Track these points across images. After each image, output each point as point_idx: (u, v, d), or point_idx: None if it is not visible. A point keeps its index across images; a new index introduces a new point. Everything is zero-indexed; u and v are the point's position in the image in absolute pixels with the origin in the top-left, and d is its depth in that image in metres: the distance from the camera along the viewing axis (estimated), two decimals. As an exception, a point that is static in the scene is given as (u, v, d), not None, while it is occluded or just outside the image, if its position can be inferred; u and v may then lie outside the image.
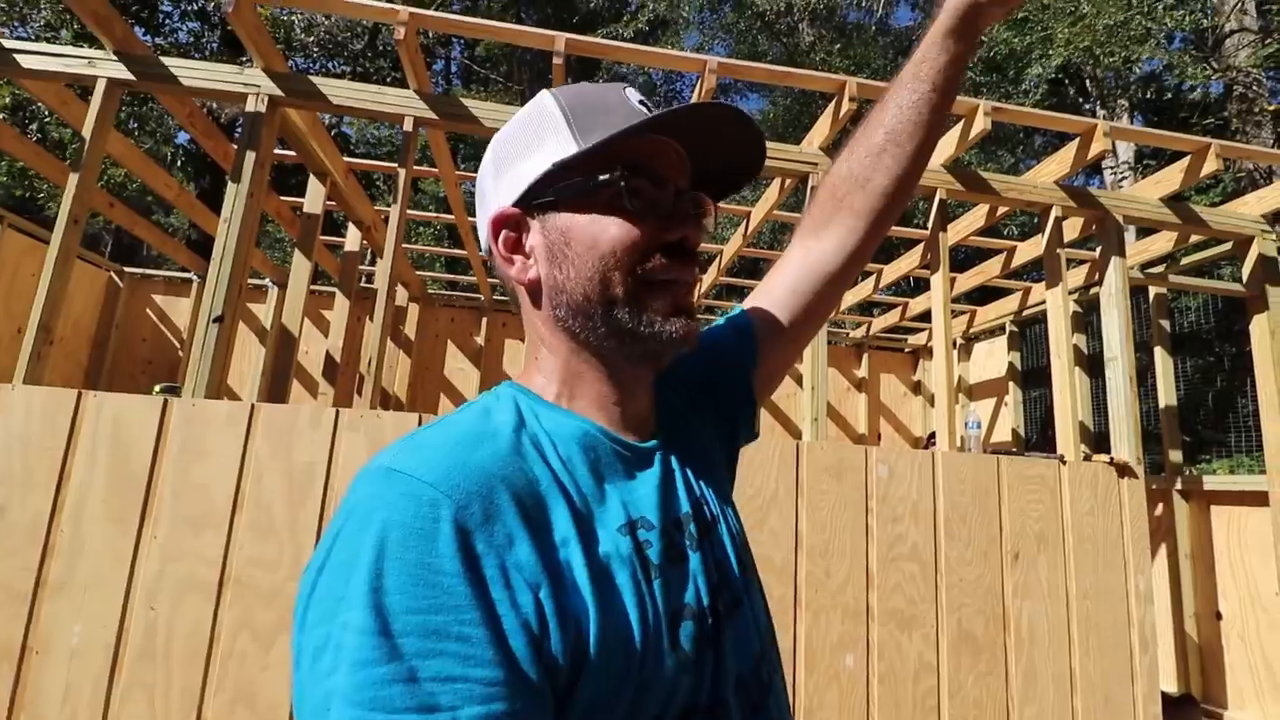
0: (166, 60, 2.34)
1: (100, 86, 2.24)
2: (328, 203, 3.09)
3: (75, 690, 1.94)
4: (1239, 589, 3.18)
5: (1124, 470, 2.67)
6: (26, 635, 1.95)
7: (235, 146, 2.46)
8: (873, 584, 2.41)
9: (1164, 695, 2.67)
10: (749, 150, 0.60)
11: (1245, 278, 3.07)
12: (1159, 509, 3.53)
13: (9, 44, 2.26)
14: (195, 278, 4.51)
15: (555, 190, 0.54)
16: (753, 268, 9.67)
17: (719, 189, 0.63)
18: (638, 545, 0.50)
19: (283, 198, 3.74)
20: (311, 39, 8.35)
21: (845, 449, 2.53)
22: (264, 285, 4.52)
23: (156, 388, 2.49)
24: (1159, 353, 3.65)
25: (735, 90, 13.58)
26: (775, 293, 0.72)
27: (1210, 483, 3.39)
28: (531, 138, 0.55)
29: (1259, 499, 3.05)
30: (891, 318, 5.22)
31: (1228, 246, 3.27)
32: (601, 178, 0.53)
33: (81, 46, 3.03)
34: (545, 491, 0.47)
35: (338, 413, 2.15)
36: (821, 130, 2.73)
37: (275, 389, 2.57)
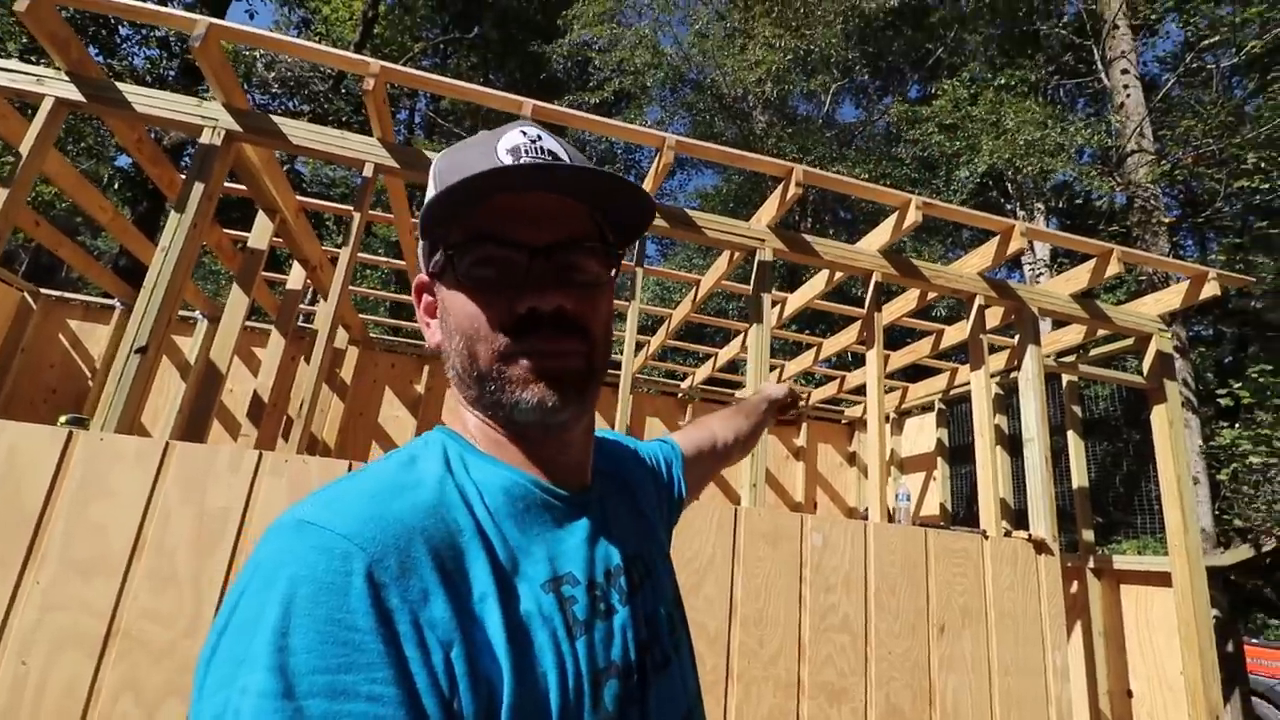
0: (122, 86, 2.30)
1: (46, 105, 2.17)
2: (274, 239, 3.03)
3: (-86, 760, 1.70)
4: (1147, 667, 3.32)
5: (1041, 547, 2.80)
6: None
7: (182, 175, 2.40)
8: (804, 656, 2.40)
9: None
10: (630, 200, 0.55)
11: (1146, 371, 3.35)
12: (1074, 586, 3.69)
13: (-51, 53, 2.18)
14: (119, 304, 4.28)
15: (428, 264, 0.56)
16: (698, 333, 9.90)
17: (626, 227, 0.59)
18: (561, 602, 0.48)
19: (225, 230, 3.64)
20: (273, 75, 8.34)
21: (782, 516, 2.56)
22: (193, 318, 4.32)
23: (62, 418, 2.31)
24: (1071, 436, 3.90)
25: (691, 165, 14.24)
26: (694, 439, 0.98)
27: (1119, 562, 3.58)
28: (440, 206, 0.53)
29: (1163, 579, 3.23)
30: (830, 389, 5.40)
31: (1129, 342, 3.58)
32: (438, 255, 0.54)
33: (30, 61, 2.95)
34: (466, 545, 0.46)
35: (260, 455, 2.04)
36: (770, 209, 2.89)
37: (193, 427, 2.43)
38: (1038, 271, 9.74)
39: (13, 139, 2.32)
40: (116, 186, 7.87)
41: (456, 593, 0.43)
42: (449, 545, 0.45)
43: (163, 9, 2.17)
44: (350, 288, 4.69)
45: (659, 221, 2.77)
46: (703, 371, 5.40)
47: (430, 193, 0.55)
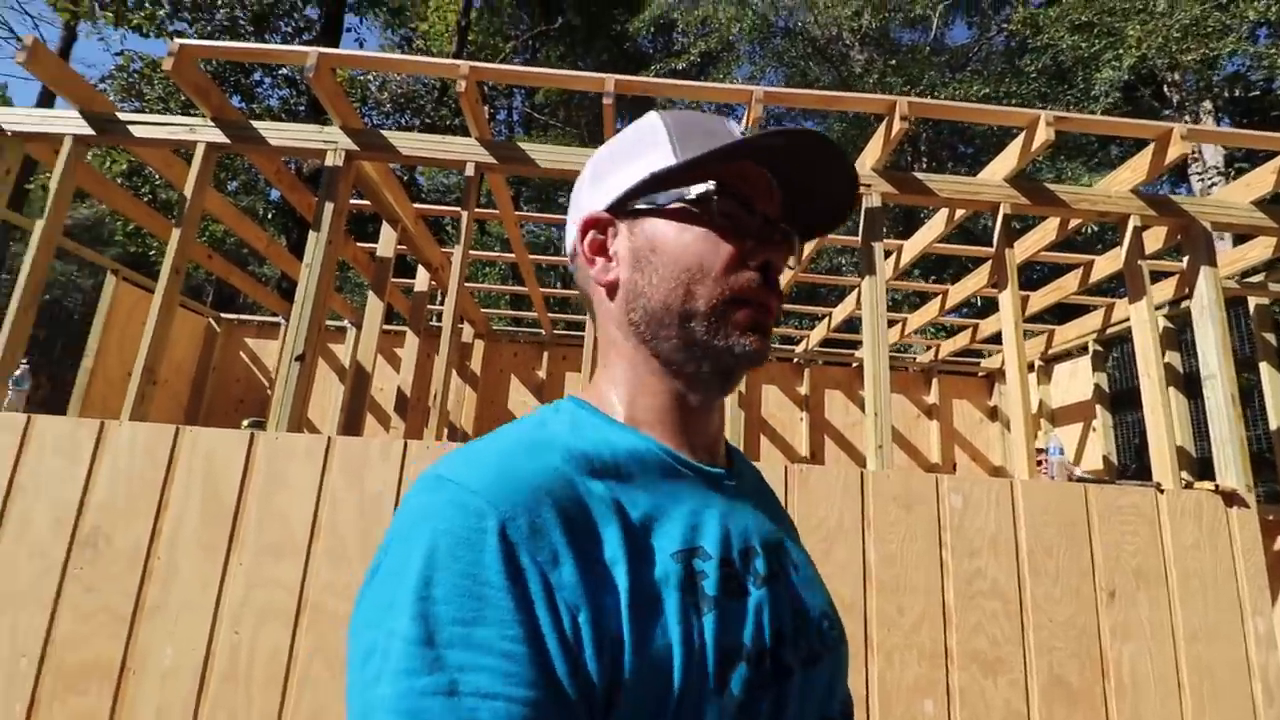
0: (256, 124, 2.57)
1: (199, 150, 2.48)
2: (399, 247, 3.28)
3: (166, 710, 2.06)
4: (1386, 635, 2.80)
5: (1232, 499, 2.43)
6: (125, 655, 2.09)
7: (316, 198, 2.66)
8: (950, 623, 2.27)
9: (1300, 755, 2.36)
10: (840, 189, 0.59)
11: (1365, 284, 2.78)
12: (1278, 542, 3.18)
13: (123, 116, 2.55)
14: (283, 321, 4.85)
15: (646, 199, 0.55)
16: (810, 293, 9.52)
17: (807, 229, 0.63)
18: (690, 574, 0.47)
19: (360, 244, 4.00)
20: (385, 95, 8.99)
21: (914, 477, 2.42)
22: (344, 327, 4.80)
23: (245, 422, 2.67)
24: (1265, 369, 3.34)
25: (789, 118, 13.61)
26: None
27: (1340, 513, 3.04)
28: (631, 151, 0.57)
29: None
30: (961, 340, 5.00)
31: (1341, 251, 2.98)
32: (694, 192, 0.54)
33: (189, 115, 3.38)
34: (595, 509, 0.46)
35: (405, 444, 2.24)
36: (874, 150, 2.70)
37: (350, 423, 2.71)
38: (1210, 182, 8.36)
39: (179, 183, 2.67)
40: (270, 217, 8.89)
41: (585, 557, 0.43)
42: (578, 509, 0.45)
43: (277, 47, 2.39)
44: (470, 284, 5.00)
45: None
46: (817, 333, 5.20)
47: (657, 136, 0.56)
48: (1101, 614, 2.31)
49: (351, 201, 3.41)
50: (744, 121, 2.57)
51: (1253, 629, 2.32)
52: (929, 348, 5.52)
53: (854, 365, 5.35)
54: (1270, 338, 3.39)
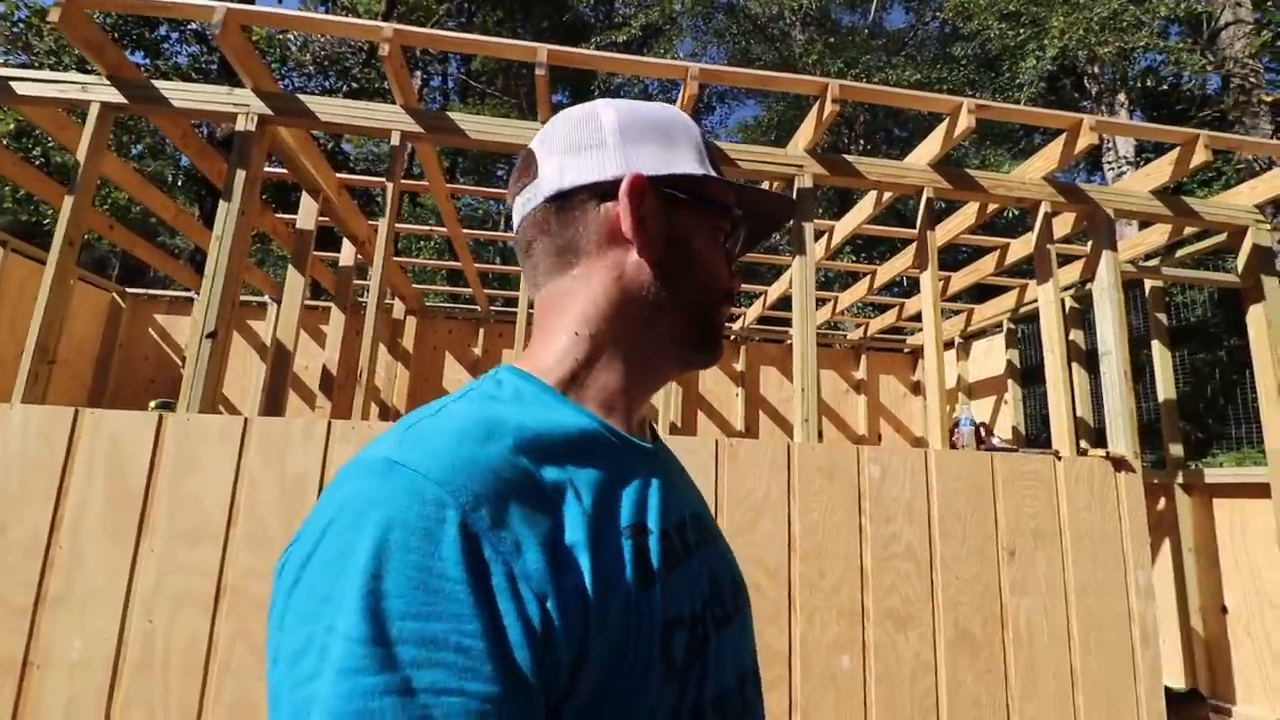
0: (157, 83, 2.38)
1: (93, 110, 2.28)
2: (321, 219, 3.13)
3: (76, 703, 1.96)
4: (1244, 583, 3.15)
5: (1120, 464, 2.66)
6: (28, 650, 1.97)
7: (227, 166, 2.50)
8: (868, 584, 2.40)
9: (1169, 691, 2.64)
10: (776, 227, 0.67)
11: (1240, 268, 3.05)
12: (1161, 504, 3.50)
13: (5, 71, 2.31)
14: (196, 296, 4.57)
15: (697, 198, 0.57)
16: (749, 271, 9.68)
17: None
18: (639, 549, 0.48)
19: (281, 215, 3.79)
20: (308, 56, 8.45)
21: (837, 449, 2.53)
22: (265, 302, 4.57)
23: (152, 404, 2.53)
24: (1157, 346, 3.63)
25: (732, 96, 13.66)
26: None
27: (1211, 476, 3.37)
28: (668, 131, 0.57)
29: (1261, 491, 3.02)
30: (889, 318, 5.21)
31: (1223, 238, 3.26)
32: (733, 214, 0.59)
33: (85, 71, 3.10)
34: (552, 494, 0.45)
35: (329, 424, 2.17)
36: (806, 132, 2.75)
37: (272, 404, 2.61)
38: (1120, 171, 8.92)
39: (72, 147, 2.46)
40: (180, 184, 8.29)
41: (547, 543, 0.42)
42: (536, 494, 0.44)
43: (181, 0, 2.22)
44: (401, 259, 4.84)
45: (690, 159, 2.69)
46: (754, 311, 5.31)
47: (691, 135, 0.59)
48: (1002, 572, 2.50)
49: (271, 170, 3.23)
50: (679, 100, 2.57)
51: (1134, 582, 2.56)
52: (859, 325, 5.73)
53: (788, 343, 5.50)
54: (1162, 318, 3.69)
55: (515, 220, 0.58)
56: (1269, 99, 7.15)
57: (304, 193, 2.91)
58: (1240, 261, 3.04)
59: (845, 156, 2.80)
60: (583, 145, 0.55)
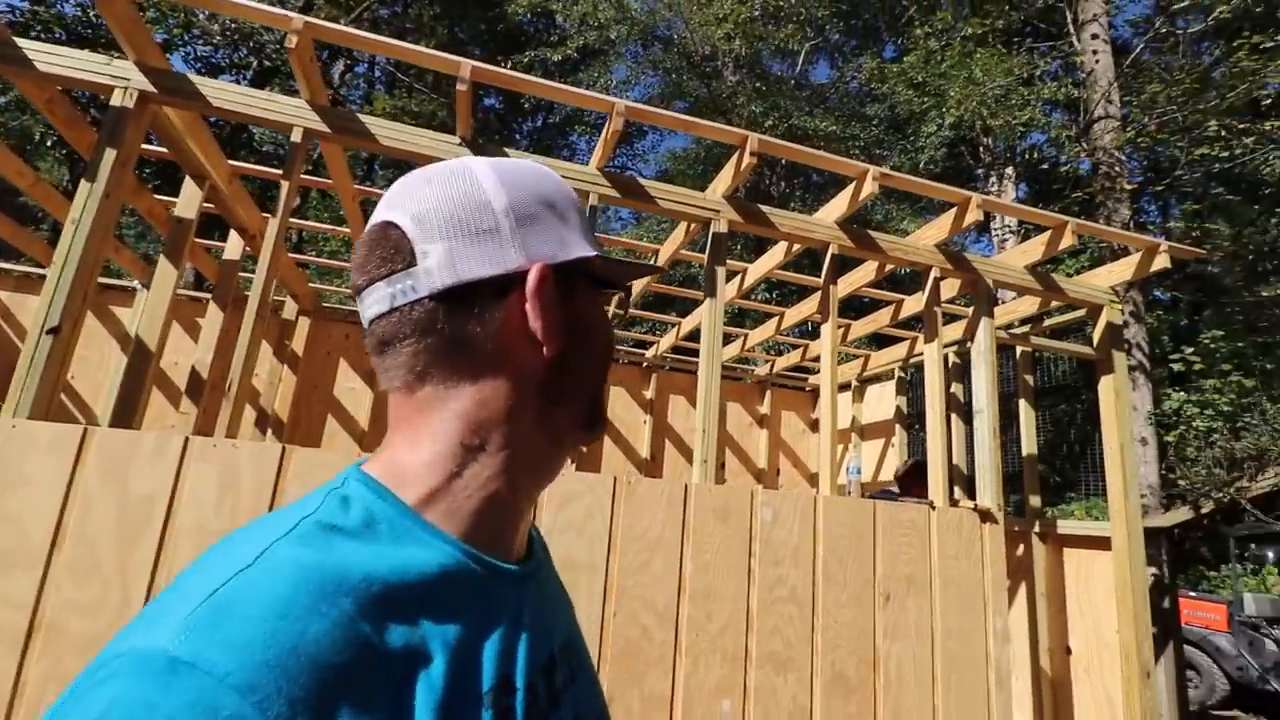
0: (24, 43, 2.11)
1: (-70, 61, 1.98)
2: (207, 205, 2.87)
3: None
4: (1086, 627, 3.46)
5: (986, 516, 2.86)
6: None
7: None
8: (752, 627, 2.44)
9: (1017, 729, 2.84)
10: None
11: (1095, 342, 3.40)
12: (1020, 549, 3.81)
13: None
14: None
15: (592, 278, 0.55)
16: (663, 302, 9.83)
17: None
18: (501, 715, 0.42)
19: (163, 196, 3.44)
20: (216, 27, 7.84)
21: (732, 492, 2.57)
22: (132, 287, 4.13)
23: (-31, 404, 2.19)
24: (1023, 405, 3.97)
25: (658, 130, 13.92)
26: None
27: (1063, 527, 3.70)
28: (556, 206, 0.53)
29: (1104, 543, 3.35)
30: (793, 358, 5.42)
31: (1082, 312, 3.62)
32: (622, 289, 0.58)
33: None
34: (400, 670, 0.37)
35: (186, 441, 1.96)
36: (725, 179, 2.82)
37: (123, 409, 2.33)
38: (1003, 238, 9.82)
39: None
40: (51, 144, 7.41)
41: None
42: (380, 673, 0.36)
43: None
44: (303, 256, 4.52)
45: (610, 191, 2.68)
46: (667, 340, 5.36)
47: (575, 209, 0.55)
48: (877, 616, 2.61)
49: (148, 148, 2.93)
50: (603, 132, 2.56)
51: (992, 627, 2.75)
52: (766, 361, 5.92)
53: (697, 373, 5.59)
54: (1029, 379, 4.04)
55: (370, 309, 0.48)
56: (1130, 187, 8.11)
57: (187, 178, 2.66)
58: (1096, 335, 3.38)
59: (760, 207, 2.89)
60: (475, 230, 0.47)
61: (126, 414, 2.32)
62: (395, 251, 0.47)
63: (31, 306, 4.08)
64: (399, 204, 0.48)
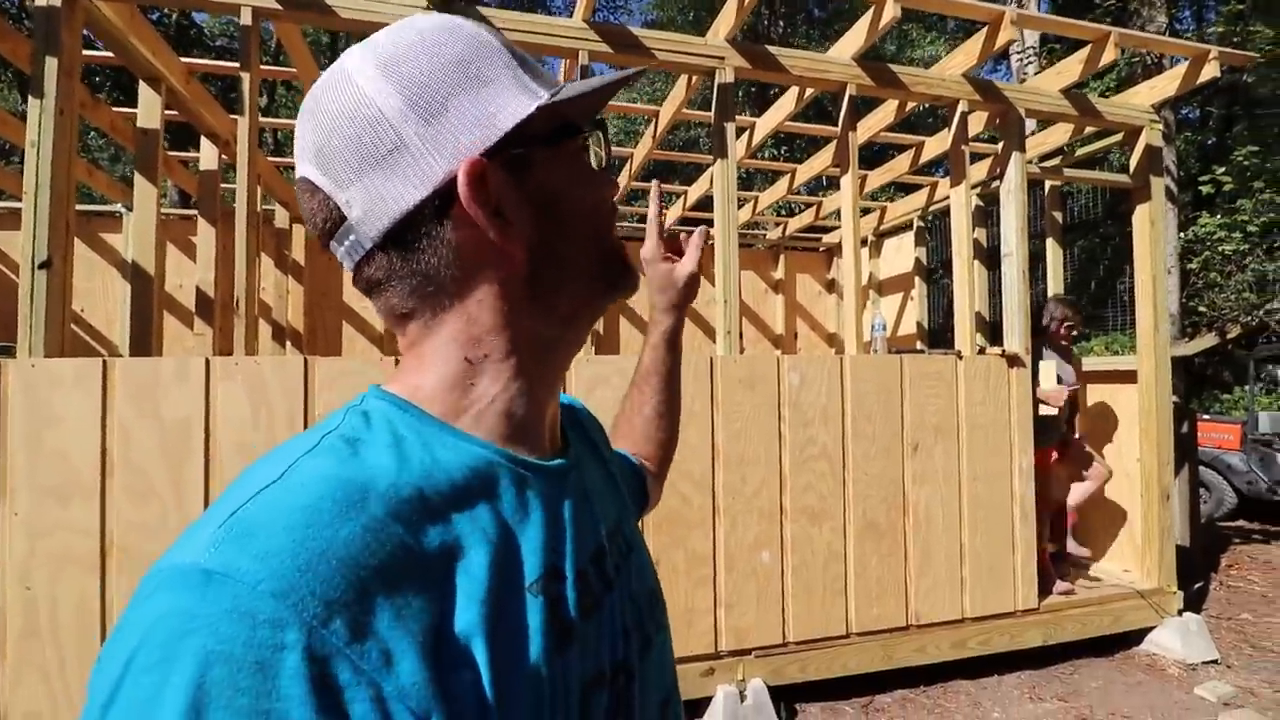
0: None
1: None
2: (170, 113, 2.66)
3: (-44, 677, 1.79)
4: (1110, 457, 3.55)
5: (1013, 361, 2.84)
6: (-118, 631, 1.76)
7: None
8: (786, 486, 2.52)
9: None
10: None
11: (1132, 168, 3.18)
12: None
13: None
14: (30, 205, 3.90)
15: (538, 141, 0.43)
16: (666, 170, 9.36)
17: None
18: (551, 606, 0.41)
19: (122, 109, 3.20)
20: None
21: (758, 361, 2.55)
22: (118, 212, 3.97)
23: (-17, 347, 2.17)
24: (1050, 244, 3.83)
25: (646, -33, 12.56)
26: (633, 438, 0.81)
27: (1088, 364, 3.69)
28: (469, 67, 0.42)
29: (1128, 377, 3.35)
30: (807, 217, 5.21)
31: (1119, 137, 3.36)
32: (587, 127, 0.47)
33: None
34: (438, 567, 0.37)
35: (208, 362, 1.94)
36: (728, 19, 2.52)
37: (139, 336, 2.30)
38: (1026, 61, 9.03)
39: None
40: (-9, 63, 6.84)
41: (430, 641, 0.34)
42: (414, 577, 0.35)
43: None
44: (286, 159, 4.27)
45: (600, 46, 2.43)
46: (674, 211, 5.15)
47: (501, 58, 0.44)
48: (906, 465, 2.68)
49: (92, 52, 2.67)
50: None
51: (1017, 467, 2.82)
52: (778, 225, 5.71)
53: (709, 244, 5.42)
54: (1058, 216, 3.86)
55: (346, 266, 0.46)
56: (1167, -11, 7.28)
57: (141, 83, 2.43)
58: (1133, 160, 3.17)
59: (769, 49, 2.61)
60: (380, 155, 0.41)
61: (143, 341, 2.30)
62: (323, 210, 0.43)
63: (15, 242, 3.96)
64: (303, 151, 0.43)
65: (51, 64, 1.90)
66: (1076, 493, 3.31)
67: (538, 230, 0.44)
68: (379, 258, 0.43)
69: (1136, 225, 3.14)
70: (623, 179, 4.36)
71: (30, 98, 1.90)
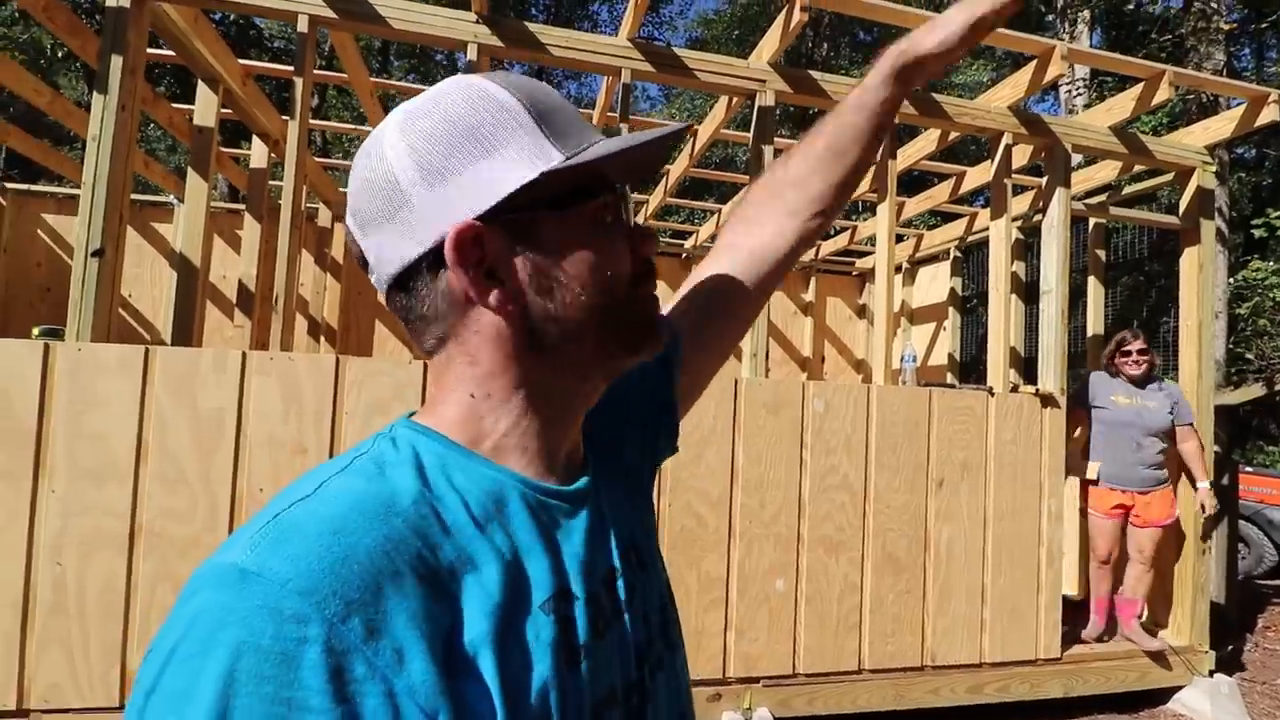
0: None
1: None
2: (225, 111, 2.76)
3: (-15, 647, 1.86)
4: (1139, 503, 3.42)
5: (1047, 400, 2.77)
6: (-80, 597, 1.83)
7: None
8: (804, 513, 2.48)
9: (1066, 599, 2.91)
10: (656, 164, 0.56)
11: (1182, 209, 3.10)
12: (1077, 432, 3.72)
13: None
14: (89, 193, 4.08)
15: (544, 204, 0.45)
16: (701, 188, 9.38)
17: None
18: (561, 626, 0.43)
19: (180, 105, 3.32)
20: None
21: (783, 385, 2.52)
22: (169, 203, 4.12)
23: (35, 330, 2.27)
24: (1092, 281, 3.73)
25: (692, -13, 12.68)
26: (697, 299, 0.72)
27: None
28: (478, 131, 0.44)
29: (1167, 422, 3.22)
30: (840, 241, 5.17)
31: (1169, 177, 3.28)
32: (600, 197, 0.47)
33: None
34: (453, 580, 0.40)
35: (244, 356, 1.99)
36: (771, 43, 2.53)
37: (181, 326, 2.38)
38: (1075, 93, 8.87)
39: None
40: (62, 55, 7.20)
41: (442, 645, 0.37)
42: (431, 585, 0.38)
43: None
44: (329, 160, 4.40)
45: (643, 65, 2.45)
46: (706, 229, 5.16)
47: (518, 119, 0.45)
48: (930, 500, 2.62)
49: (155, 50, 2.78)
50: (624, 12, 2.29)
51: (1046, 508, 2.74)
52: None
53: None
54: (1101, 254, 3.76)
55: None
56: (1228, 26, 7.11)
57: (200, 83, 2.53)
58: (1183, 201, 3.08)
59: (811, 73, 2.61)
60: (387, 214, 0.45)
61: (184, 331, 2.37)
62: (356, 249, 0.49)
63: (74, 227, 4.14)
64: (349, 195, 0.48)
65: (117, 62, 1.98)
66: (1139, 582, 3.01)
67: (537, 291, 0.45)
68: (395, 296, 0.47)
69: (1184, 268, 3.05)
70: (658, 196, 4.38)
71: (94, 93, 1.99)
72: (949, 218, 4.74)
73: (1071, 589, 3.53)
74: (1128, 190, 3.73)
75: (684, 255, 5.31)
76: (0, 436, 1.86)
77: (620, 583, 0.50)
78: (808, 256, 5.62)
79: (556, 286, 0.46)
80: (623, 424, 0.63)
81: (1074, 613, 3.09)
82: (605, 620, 0.47)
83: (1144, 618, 3.08)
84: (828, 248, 5.39)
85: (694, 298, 0.71)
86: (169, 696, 0.32)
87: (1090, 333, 3.67)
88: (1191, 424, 2.94)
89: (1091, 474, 3.05)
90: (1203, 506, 2.91)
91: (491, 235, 0.44)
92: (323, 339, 4.11)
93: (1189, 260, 3.01)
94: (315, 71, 2.87)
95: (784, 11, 2.39)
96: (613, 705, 0.45)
